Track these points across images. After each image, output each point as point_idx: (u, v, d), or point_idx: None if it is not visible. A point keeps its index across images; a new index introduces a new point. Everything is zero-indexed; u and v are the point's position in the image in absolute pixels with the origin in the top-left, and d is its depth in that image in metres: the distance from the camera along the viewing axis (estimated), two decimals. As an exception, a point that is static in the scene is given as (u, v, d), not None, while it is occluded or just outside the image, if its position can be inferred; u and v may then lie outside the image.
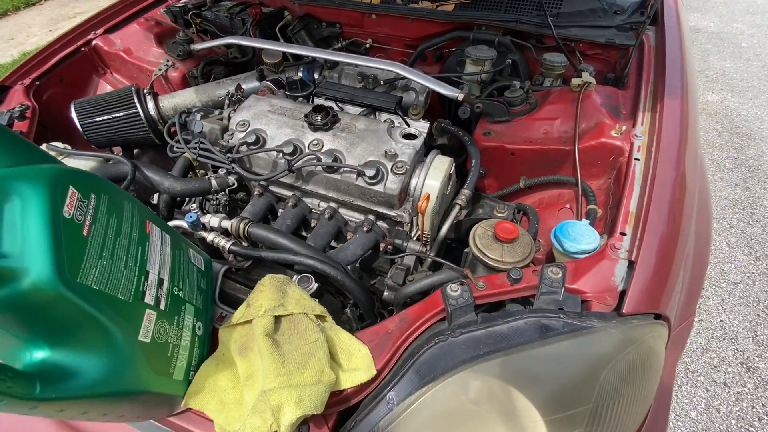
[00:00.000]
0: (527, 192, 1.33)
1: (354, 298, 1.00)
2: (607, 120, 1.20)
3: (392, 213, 1.10)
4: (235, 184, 1.21)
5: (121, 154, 1.53)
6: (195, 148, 1.20)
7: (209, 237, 1.07)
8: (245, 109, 1.24)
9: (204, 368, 0.77)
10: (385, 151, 1.08)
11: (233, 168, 1.16)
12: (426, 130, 1.26)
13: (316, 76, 1.62)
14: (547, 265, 0.80)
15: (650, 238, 0.82)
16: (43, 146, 1.22)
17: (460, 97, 1.27)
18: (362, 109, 1.34)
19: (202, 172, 1.32)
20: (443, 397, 0.68)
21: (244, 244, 1.09)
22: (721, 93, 3.91)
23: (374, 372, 0.74)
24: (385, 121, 1.27)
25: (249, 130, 1.19)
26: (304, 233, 1.25)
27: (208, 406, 0.72)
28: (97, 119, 1.43)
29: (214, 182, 1.17)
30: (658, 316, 0.76)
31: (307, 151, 1.12)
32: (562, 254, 0.92)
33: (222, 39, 1.63)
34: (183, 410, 0.75)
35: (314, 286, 0.92)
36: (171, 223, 1.07)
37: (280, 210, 1.21)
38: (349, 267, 1.05)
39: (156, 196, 1.28)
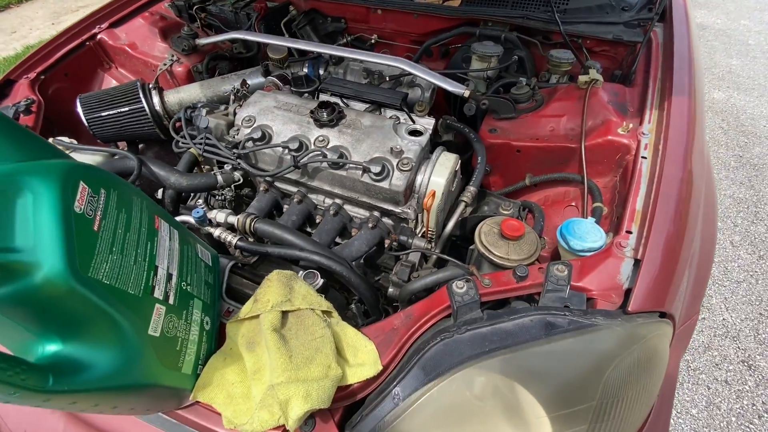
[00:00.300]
0: (533, 189, 1.33)
1: (359, 294, 1.01)
2: (614, 117, 1.20)
3: (397, 209, 1.11)
4: (241, 180, 1.21)
5: (126, 149, 1.54)
6: (200, 144, 1.20)
7: (216, 232, 1.07)
8: (251, 105, 1.24)
9: (212, 362, 0.78)
10: (391, 148, 1.08)
11: (239, 164, 1.16)
12: (431, 127, 1.25)
13: (321, 71, 1.62)
14: (552, 263, 0.80)
15: (656, 236, 0.82)
16: (50, 141, 1.22)
17: (466, 93, 1.26)
18: (367, 105, 1.33)
19: (207, 167, 1.33)
20: (448, 393, 0.69)
21: (250, 239, 1.10)
22: (728, 91, 3.88)
23: (380, 367, 0.74)
24: (390, 117, 1.27)
25: (255, 125, 1.19)
26: (309, 229, 1.25)
27: (216, 399, 0.73)
28: (103, 114, 1.43)
29: (219, 178, 1.17)
30: (663, 315, 0.76)
31: (312, 147, 1.12)
32: (568, 252, 0.92)
33: (227, 34, 1.62)
34: (191, 403, 0.76)
35: (320, 281, 0.92)
36: (178, 219, 1.07)
37: (286, 206, 1.22)
38: (353, 263, 1.06)
39: (161, 191, 1.28)
